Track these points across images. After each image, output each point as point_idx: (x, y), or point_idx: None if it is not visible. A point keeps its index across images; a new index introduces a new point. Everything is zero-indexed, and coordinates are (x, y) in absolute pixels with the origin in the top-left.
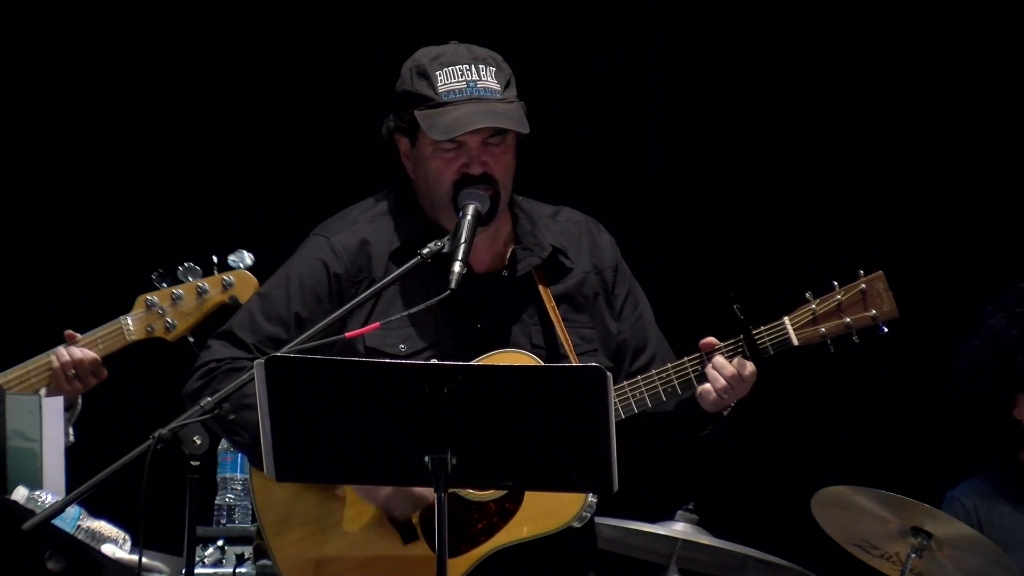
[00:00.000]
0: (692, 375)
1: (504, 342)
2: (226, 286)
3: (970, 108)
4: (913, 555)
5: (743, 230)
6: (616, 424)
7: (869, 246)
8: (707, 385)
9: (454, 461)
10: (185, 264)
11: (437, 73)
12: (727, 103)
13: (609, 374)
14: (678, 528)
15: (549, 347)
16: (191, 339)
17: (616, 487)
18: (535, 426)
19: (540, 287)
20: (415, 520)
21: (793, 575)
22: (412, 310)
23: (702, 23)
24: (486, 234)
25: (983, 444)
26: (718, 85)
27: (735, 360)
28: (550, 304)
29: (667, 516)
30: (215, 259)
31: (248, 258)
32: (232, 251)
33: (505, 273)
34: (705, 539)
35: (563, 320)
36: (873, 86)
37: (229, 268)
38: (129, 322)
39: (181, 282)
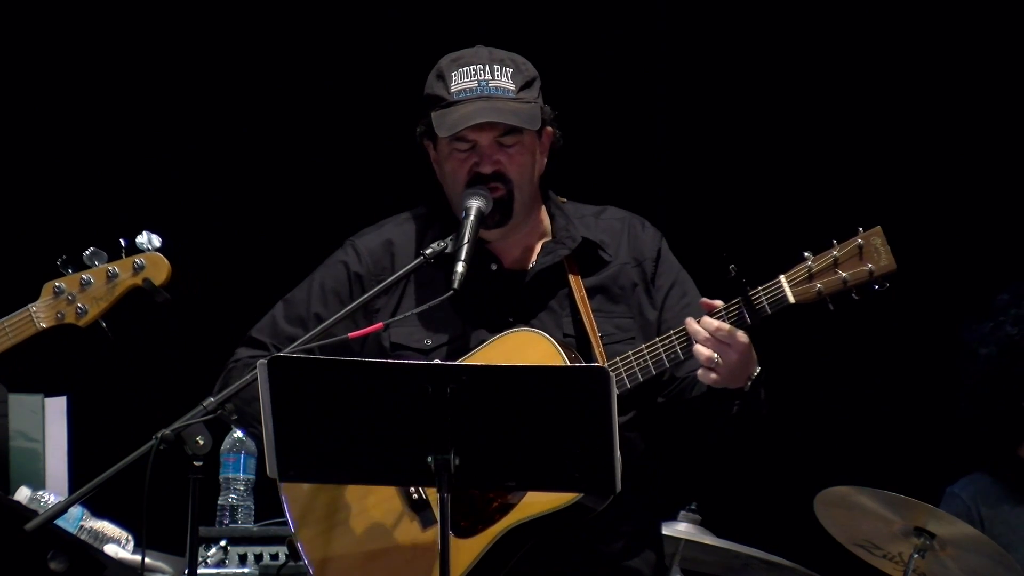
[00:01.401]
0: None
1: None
2: (137, 268)
3: (968, 80)
4: (916, 555)
5: (745, 194)
6: (635, 411)
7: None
8: (697, 346)
9: (457, 461)
10: (90, 249)
11: (452, 74)
12: (727, 69)
13: (612, 374)
14: (681, 528)
15: (580, 336)
16: (103, 324)
17: (618, 487)
18: (538, 426)
19: (571, 278)
20: (433, 504)
21: (796, 575)
22: (415, 310)
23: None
24: (518, 234)
25: (983, 441)
26: (718, 53)
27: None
28: (580, 295)
29: (670, 516)
30: (123, 242)
31: (156, 240)
32: (137, 234)
33: (531, 266)
34: (708, 539)
35: (598, 311)
36: (869, 53)
37: (138, 251)
38: (38, 310)
39: (88, 267)
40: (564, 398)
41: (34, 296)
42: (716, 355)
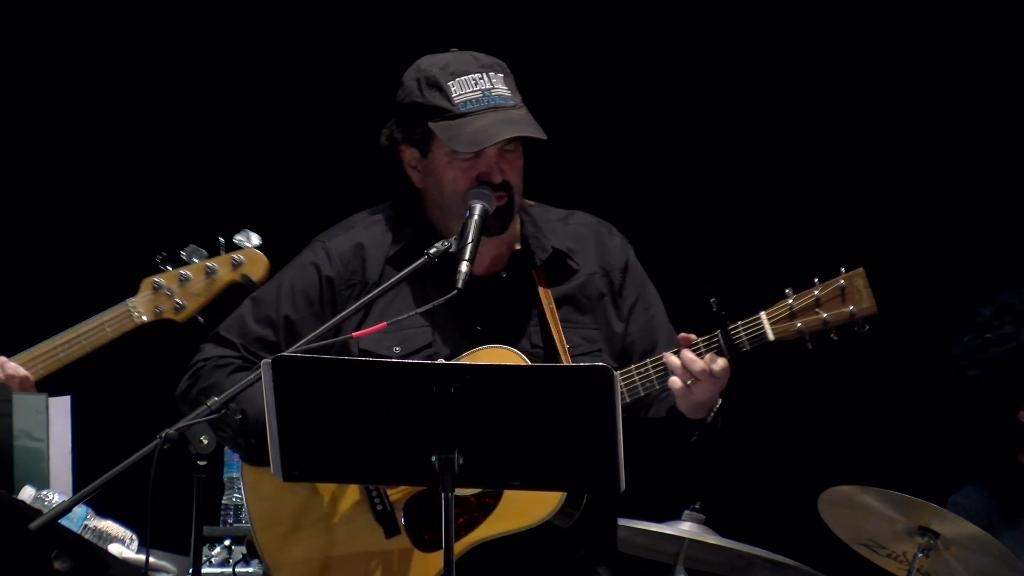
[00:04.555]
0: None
1: (503, 343)
2: (236, 264)
3: (955, 105)
4: (920, 555)
5: (728, 226)
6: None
7: (866, 243)
8: (673, 378)
9: (461, 461)
10: (189, 247)
11: (450, 84)
12: (711, 99)
13: (616, 374)
14: (685, 528)
15: (548, 347)
16: (201, 319)
17: (623, 487)
18: (542, 426)
19: (540, 288)
20: (398, 515)
21: (800, 575)
22: (420, 309)
23: (678, 25)
24: (492, 240)
25: (984, 445)
26: (701, 84)
27: (707, 356)
28: (549, 306)
29: (674, 516)
30: (221, 240)
31: (255, 238)
32: (235, 233)
33: (504, 275)
34: (712, 539)
35: (565, 321)
36: (857, 83)
37: (236, 248)
38: (137, 304)
39: (186, 263)
40: (568, 397)
41: (133, 292)
42: (692, 390)
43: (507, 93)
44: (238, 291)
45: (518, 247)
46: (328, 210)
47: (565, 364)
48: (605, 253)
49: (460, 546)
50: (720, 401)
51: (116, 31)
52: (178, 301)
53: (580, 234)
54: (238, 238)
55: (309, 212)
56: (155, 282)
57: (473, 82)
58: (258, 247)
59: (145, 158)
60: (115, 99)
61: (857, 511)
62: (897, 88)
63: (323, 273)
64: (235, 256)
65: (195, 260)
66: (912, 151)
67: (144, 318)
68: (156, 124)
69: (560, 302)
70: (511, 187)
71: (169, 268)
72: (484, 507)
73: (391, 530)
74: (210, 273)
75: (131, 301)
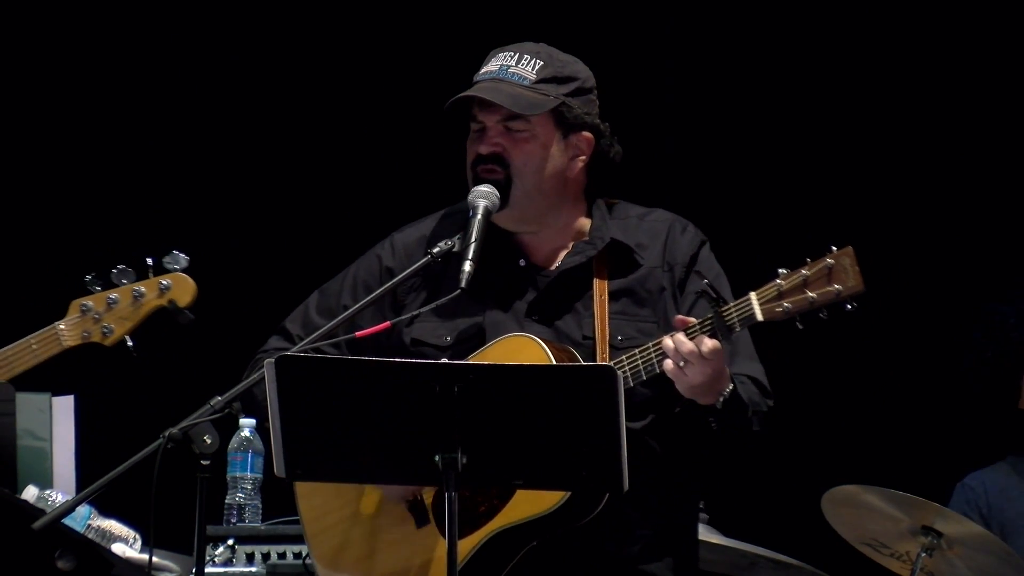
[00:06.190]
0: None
1: (557, 332)
2: (163, 289)
3: (957, 95)
4: (923, 554)
5: (737, 203)
6: (654, 416)
7: (877, 238)
8: (667, 361)
9: (464, 460)
10: (119, 267)
11: (490, 59)
12: (708, 83)
13: (619, 374)
14: None
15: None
16: (130, 344)
17: (626, 487)
18: (545, 425)
19: (596, 280)
20: (428, 505)
21: (804, 574)
22: (422, 309)
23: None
24: (549, 230)
25: (994, 437)
26: (693, 69)
27: (697, 338)
28: (600, 297)
29: None
30: (150, 262)
31: (183, 260)
32: (166, 254)
33: (556, 266)
34: (715, 538)
35: (622, 313)
36: (855, 67)
37: (165, 271)
38: (64, 328)
39: (115, 285)
40: (571, 397)
41: (62, 311)
42: (685, 372)
43: (529, 75)
44: (167, 316)
45: (586, 240)
46: (267, 224)
47: (568, 364)
48: (673, 249)
49: (482, 534)
50: (731, 387)
51: (32, 43)
52: (105, 325)
53: (654, 230)
54: (166, 260)
55: (242, 227)
56: (83, 305)
57: (502, 58)
58: (186, 269)
59: (80, 174)
60: (49, 113)
61: (861, 511)
62: (896, 68)
63: (384, 264)
64: (162, 281)
65: (124, 282)
66: (917, 133)
67: (69, 343)
68: (94, 141)
69: (618, 294)
70: (504, 161)
71: (98, 289)
72: (504, 494)
73: (421, 520)
74: (137, 297)
75: (60, 324)
